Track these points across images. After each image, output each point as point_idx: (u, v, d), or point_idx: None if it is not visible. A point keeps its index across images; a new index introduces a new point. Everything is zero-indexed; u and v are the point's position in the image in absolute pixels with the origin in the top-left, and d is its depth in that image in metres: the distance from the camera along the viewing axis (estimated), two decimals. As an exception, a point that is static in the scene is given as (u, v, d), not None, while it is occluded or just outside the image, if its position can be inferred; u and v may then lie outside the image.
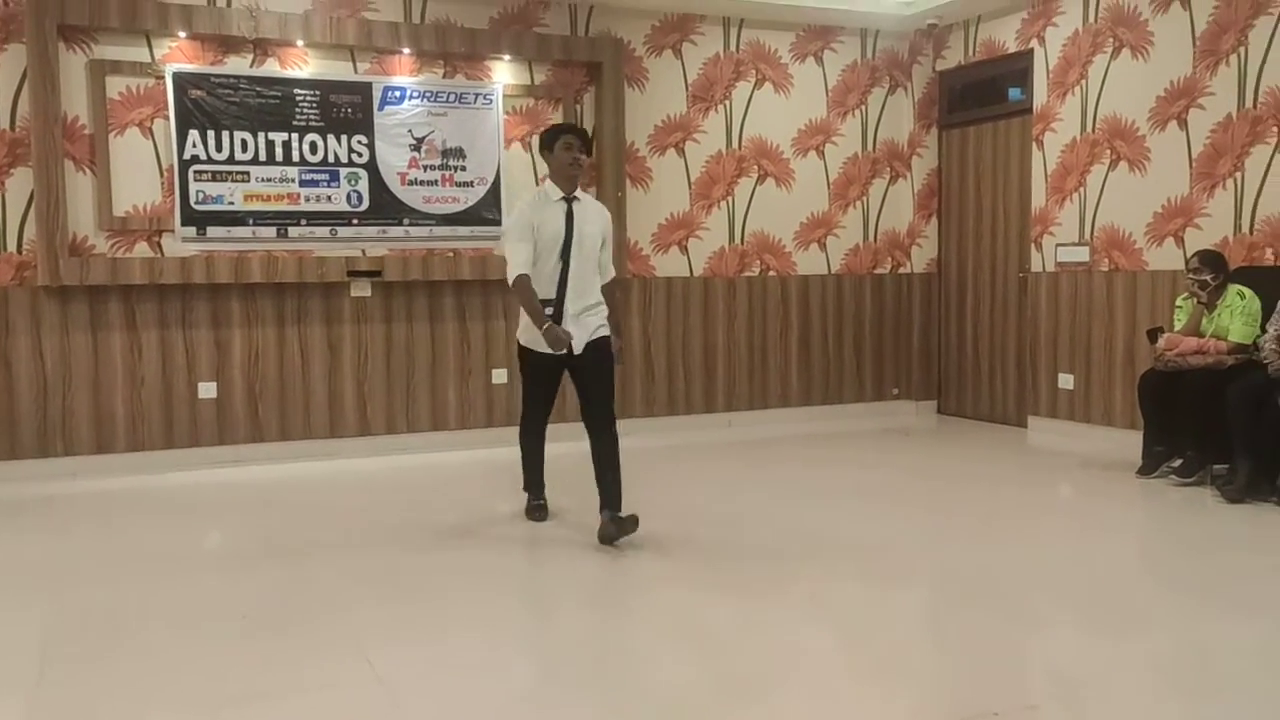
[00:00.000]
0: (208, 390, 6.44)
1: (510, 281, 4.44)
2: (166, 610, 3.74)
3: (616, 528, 4.37)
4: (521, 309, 4.55)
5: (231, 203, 6.36)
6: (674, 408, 7.61)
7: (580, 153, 4.54)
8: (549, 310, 4.42)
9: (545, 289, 4.46)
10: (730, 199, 7.67)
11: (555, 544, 4.63)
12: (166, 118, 6.25)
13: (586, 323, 4.52)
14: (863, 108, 8.04)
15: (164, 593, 3.95)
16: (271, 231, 6.46)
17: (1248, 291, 5.49)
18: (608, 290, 4.71)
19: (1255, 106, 5.91)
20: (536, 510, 4.96)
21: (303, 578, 4.12)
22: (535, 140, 7.00)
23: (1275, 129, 5.81)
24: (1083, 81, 6.91)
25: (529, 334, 4.55)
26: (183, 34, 6.25)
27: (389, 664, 3.16)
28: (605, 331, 4.58)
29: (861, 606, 3.71)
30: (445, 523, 5.05)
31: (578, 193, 4.60)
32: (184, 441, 6.41)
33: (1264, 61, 5.85)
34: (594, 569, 4.22)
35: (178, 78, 6.23)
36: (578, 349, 4.46)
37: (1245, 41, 5.93)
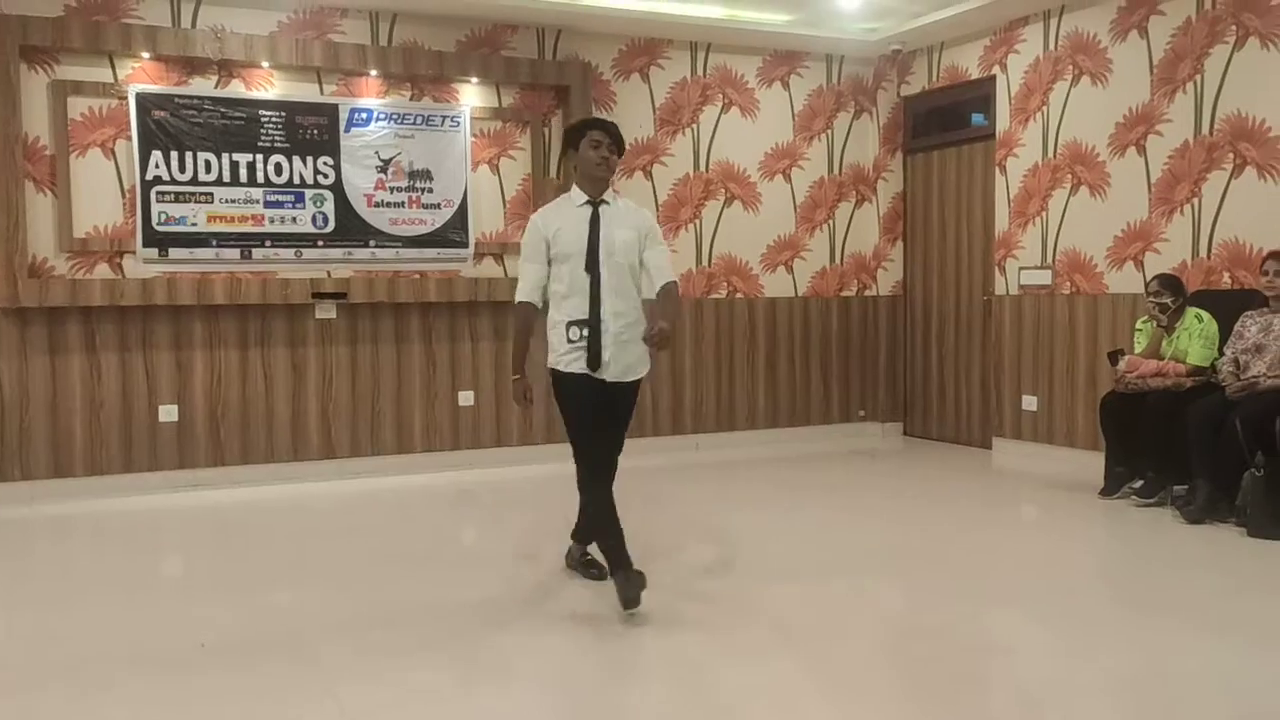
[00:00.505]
0: (168, 413, 6.36)
1: (514, 303, 4.06)
2: (121, 639, 3.67)
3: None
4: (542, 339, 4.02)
5: (194, 224, 6.31)
6: (641, 430, 7.58)
7: (610, 151, 3.97)
8: (585, 331, 3.87)
9: (576, 307, 3.89)
10: (698, 222, 7.70)
11: (526, 570, 4.60)
12: (129, 138, 6.19)
13: (626, 353, 3.94)
14: (828, 132, 8.11)
15: (119, 620, 3.88)
16: (235, 253, 6.41)
17: (1205, 314, 5.57)
18: (662, 298, 3.99)
19: (1211, 133, 6.01)
20: (628, 583, 3.80)
21: (264, 606, 4.06)
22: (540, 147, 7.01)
23: (1231, 155, 5.92)
24: (1044, 108, 7.01)
25: (556, 354, 3.97)
26: (146, 55, 6.20)
27: (354, 698, 3.12)
28: (642, 371, 4.03)
29: (826, 628, 3.71)
30: (411, 549, 5.00)
31: (608, 195, 4.03)
32: (143, 465, 6.32)
33: (1220, 89, 5.96)
34: (565, 594, 4.19)
35: (141, 98, 6.18)
36: (610, 378, 3.93)
37: (1201, 70, 6.04)
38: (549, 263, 3.95)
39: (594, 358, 3.88)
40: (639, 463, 7.20)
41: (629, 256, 3.97)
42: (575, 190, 4.01)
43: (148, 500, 6.08)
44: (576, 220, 3.93)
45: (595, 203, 3.98)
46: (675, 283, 4.04)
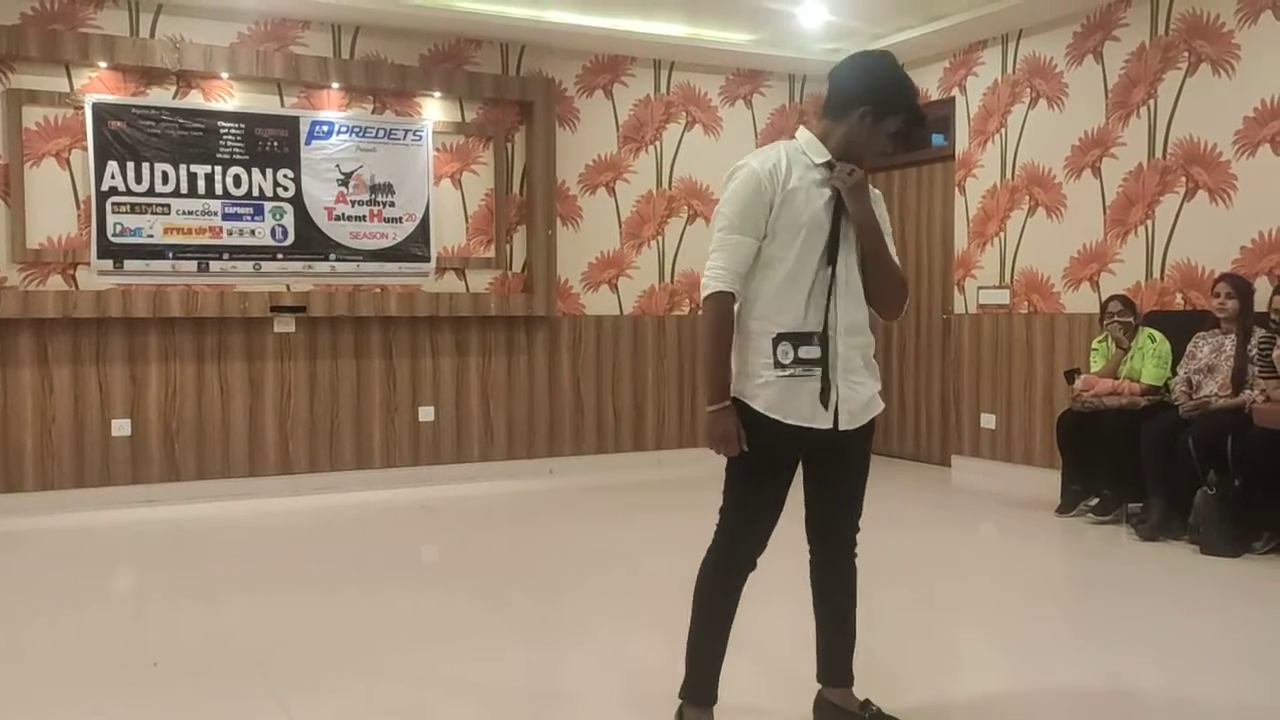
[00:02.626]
0: (121, 427, 6.25)
1: (703, 295, 2.59)
2: (72, 656, 3.59)
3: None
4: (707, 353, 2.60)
5: (151, 235, 6.22)
6: (603, 445, 7.58)
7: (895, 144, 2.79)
8: (802, 352, 2.54)
9: (792, 315, 2.55)
10: (660, 238, 7.71)
11: (486, 588, 4.56)
12: (85, 148, 6.10)
13: (858, 384, 2.65)
14: (790, 151, 8.15)
15: (70, 638, 3.80)
16: (192, 265, 6.33)
17: (1158, 335, 5.66)
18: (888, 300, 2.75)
19: (1165, 157, 6.12)
20: None
21: (218, 623, 4.00)
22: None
23: (1184, 179, 6.03)
24: (1002, 130, 7.11)
25: (770, 389, 2.56)
26: (104, 64, 6.13)
27: (308, 715, 3.07)
28: (879, 407, 2.73)
29: (786, 647, 3.71)
30: (368, 564, 4.95)
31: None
32: (95, 480, 6.21)
33: (1172, 114, 6.07)
34: (525, 613, 4.16)
35: (97, 108, 6.10)
36: (845, 424, 2.62)
37: (1155, 95, 6.16)
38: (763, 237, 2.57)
39: (822, 394, 2.58)
40: (600, 479, 7.23)
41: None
42: (809, 139, 2.65)
43: (100, 516, 5.96)
44: (815, 189, 2.59)
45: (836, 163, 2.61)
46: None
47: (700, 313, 2.63)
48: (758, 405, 2.56)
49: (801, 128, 2.72)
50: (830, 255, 2.57)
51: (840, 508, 2.75)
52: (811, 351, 2.55)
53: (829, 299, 2.57)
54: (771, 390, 2.55)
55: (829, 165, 2.60)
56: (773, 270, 2.57)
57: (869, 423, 2.70)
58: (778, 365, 2.55)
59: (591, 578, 4.68)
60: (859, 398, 2.64)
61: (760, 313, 2.58)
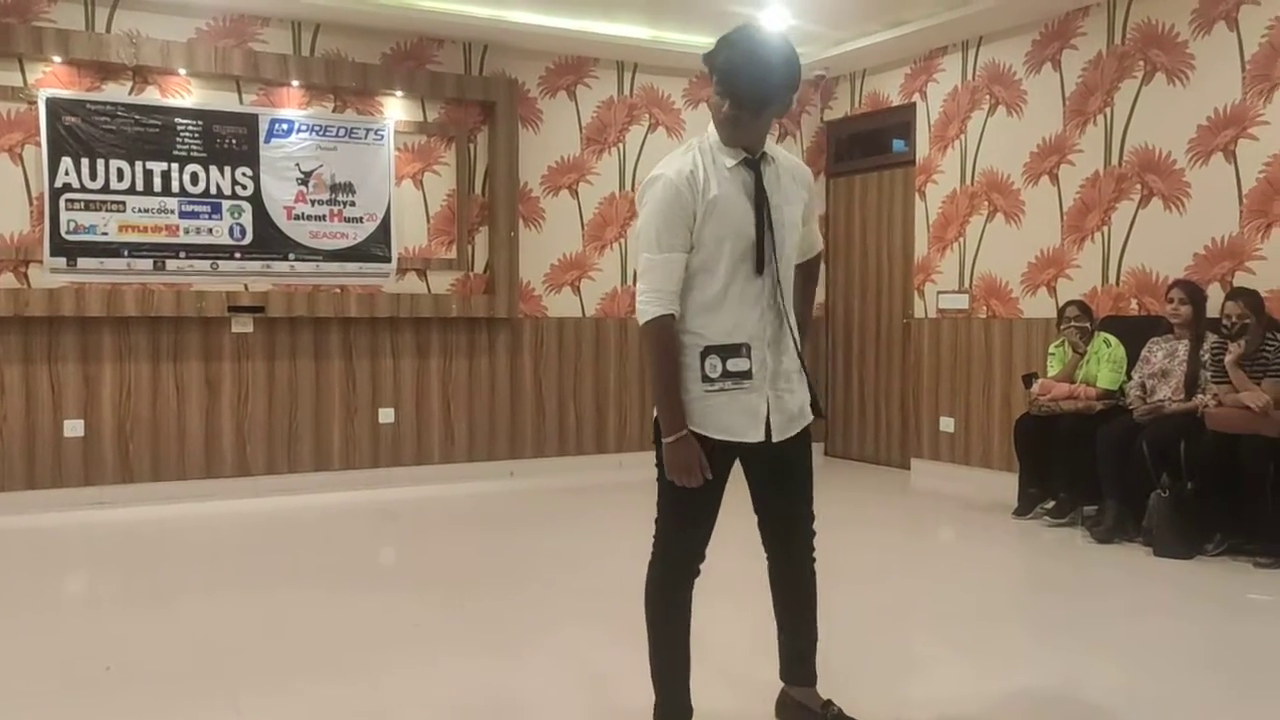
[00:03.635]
0: (74, 428, 6.14)
1: (641, 322, 2.51)
2: (23, 661, 3.52)
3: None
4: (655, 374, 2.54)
5: (105, 233, 6.12)
6: (564, 448, 7.56)
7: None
8: (731, 365, 2.49)
9: (719, 326, 2.51)
10: (623, 241, 7.71)
11: (442, 587, 4.53)
12: (38, 144, 6.00)
13: (788, 394, 2.61)
14: (753, 154, 8.18)
15: (21, 642, 3.73)
16: (148, 264, 6.24)
17: (1113, 339, 5.74)
18: (806, 273, 2.79)
19: (1120, 164, 6.21)
20: None
21: (172, 626, 3.94)
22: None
23: (1139, 186, 6.12)
24: (962, 136, 7.18)
25: (698, 404, 2.52)
26: (58, 59, 6.02)
27: (261, 717, 3.03)
28: (809, 417, 2.69)
29: (741, 649, 3.71)
30: (324, 566, 4.90)
31: (767, 146, 2.59)
32: (47, 482, 6.09)
33: (1128, 122, 6.16)
34: (477, 615, 4.14)
35: (51, 103, 5.99)
36: (777, 435, 2.58)
37: (1111, 103, 6.24)
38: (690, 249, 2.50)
39: (752, 407, 2.54)
40: (562, 481, 7.20)
41: (794, 243, 2.62)
42: (717, 139, 2.55)
43: (51, 518, 5.85)
44: (733, 189, 2.51)
45: (755, 159, 2.54)
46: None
47: (642, 340, 2.54)
48: (689, 421, 2.50)
49: (712, 124, 2.58)
50: (758, 264, 2.51)
51: (790, 515, 2.72)
52: (740, 364, 2.50)
53: (756, 309, 2.52)
54: (700, 405, 2.51)
55: (745, 164, 2.52)
56: (699, 281, 2.51)
57: (805, 437, 2.67)
58: (705, 379, 2.50)
59: (552, 581, 4.66)
60: (789, 407, 2.60)
61: (686, 325, 2.51)
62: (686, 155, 2.54)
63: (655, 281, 2.48)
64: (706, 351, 2.50)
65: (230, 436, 6.55)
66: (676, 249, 2.48)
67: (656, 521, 2.64)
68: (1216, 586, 4.54)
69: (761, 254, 2.51)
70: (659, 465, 2.57)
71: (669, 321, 2.49)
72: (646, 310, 2.49)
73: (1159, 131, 6.00)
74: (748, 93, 2.45)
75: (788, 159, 2.65)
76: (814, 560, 2.78)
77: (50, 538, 5.52)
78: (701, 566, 2.65)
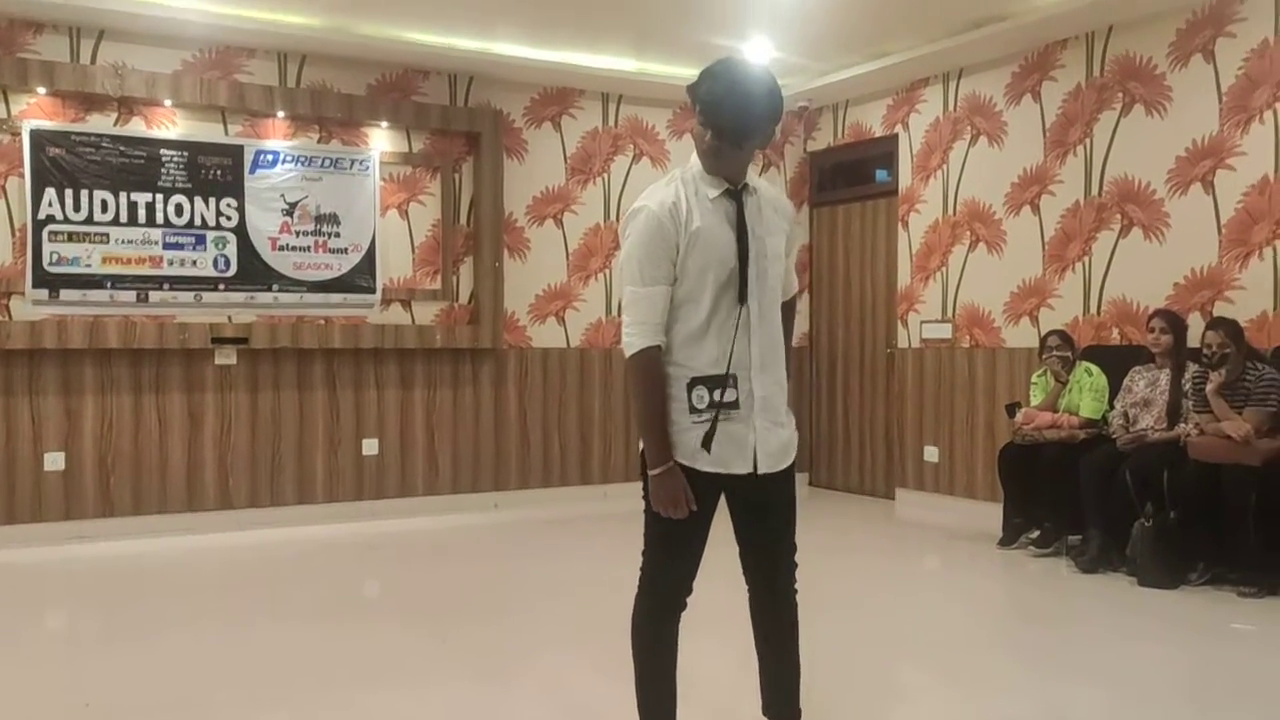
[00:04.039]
0: (54, 461, 6.09)
1: (627, 355, 2.53)
2: (1, 698, 3.48)
3: None
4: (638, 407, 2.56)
5: (88, 265, 6.10)
6: (549, 479, 7.53)
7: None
8: (717, 396, 2.49)
9: (706, 357, 2.51)
10: (607, 271, 7.72)
11: (426, 619, 4.49)
12: (21, 175, 5.98)
13: (777, 427, 2.60)
14: (737, 185, 8.22)
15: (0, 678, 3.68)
16: (131, 295, 6.21)
17: (1094, 368, 5.78)
18: (784, 312, 2.71)
19: (1100, 195, 6.27)
20: None
21: (153, 661, 3.89)
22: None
23: (1119, 216, 6.17)
24: (944, 166, 7.24)
25: (686, 435, 2.52)
26: (43, 90, 6.02)
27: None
28: (794, 453, 2.69)
29: (726, 682, 3.70)
30: (308, 599, 4.86)
31: (749, 178, 2.61)
32: (26, 516, 6.03)
33: (1108, 153, 6.23)
34: (474, 644, 4.11)
35: (35, 134, 5.98)
36: (763, 467, 2.56)
37: (1090, 134, 6.31)
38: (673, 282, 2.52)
39: (739, 438, 2.53)
40: (546, 512, 7.18)
41: (778, 274, 2.62)
42: (699, 169, 2.57)
43: (31, 553, 5.79)
44: (715, 220, 2.52)
45: (737, 190, 2.57)
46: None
47: (628, 373, 2.57)
48: (675, 453, 2.50)
49: (695, 154, 2.59)
50: (741, 294, 2.51)
51: (772, 547, 2.69)
52: (728, 395, 2.49)
53: (744, 339, 2.52)
54: (688, 437, 2.50)
55: (727, 194, 2.53)
56: (683, 313, 2.51)
57: (790, 474, 2.67)
58: (693, 411, 2.50)
59: (537, 612, 4.63)
60: (776, 440, 2.58)
61: (672, 357, 2.52)
62: (669, 187, 2.55)
63: (640, 314, 2.49)
64: (693, 383, 2.50)
65: (212, 469, 6.50)
66: (660, 281, 2.49)
67: (643, 554, 2.63)
68: (1201, 616, 4.54)
69: (745, 284, 2.51)
70: (645, 498, 2.56)
71: (655, 353, 2.50)
72: (633, 343, 2.50)
73: (1138, 162, 6.06)
74: (730, 124, 2.47)
75: (769, 191, 2.67)
76: (796, 592, 2.76)
77: (29, 573, 5.46)
78: (689, 600, 2.64)
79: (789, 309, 2.76)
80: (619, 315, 7.66)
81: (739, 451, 2.53)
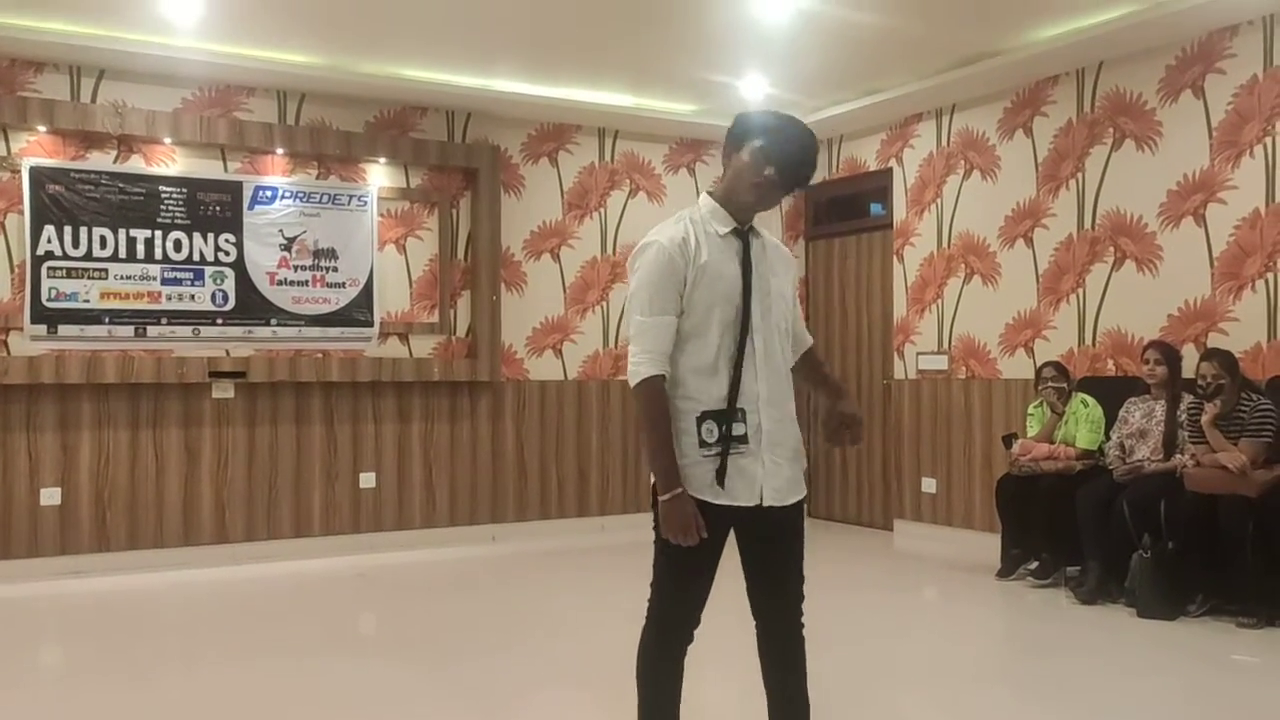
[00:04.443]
0: (50, 496, 6.08)
1: (633, 384, 2.55)
2: (-8, 739, 3.46)
3: None
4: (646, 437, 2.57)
5: (86, 300, 6.12)
6: (546, 511, 7.52)
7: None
8: (726, 429, 2.52)
9: (714, 391, 2.54)
10: (604, 304, 7.76)
11: (423, 654, 4.47)
12: (21, 212, 6.01)
13: (786, 462, 2.63)
14: (733, 218, 8.28)
15: (-10, 720, 3.66)
16: (129, 330, 6.23)
17: (1090, 400, 5.80)
18: (813, 360, 2.92)
19: (1093, 228, 6.32)
20: None
21: (149, 699, 3.87)
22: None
23: (1112, 249, 6.22)
24: (938, 200, 7.30)
25: (697, 469, 2.54)
26: (43, 128, 6.06)
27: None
28: (803, 490, 2.71)
29: (731, 713, 3.68)
30: (306, 636, 4.83)
31: (754, 223, 2.69)
32: (22, 551, 6.01)
33: (1100, 187, 6.29)
34: (471, 679, 4.09)
35: (35, 172, 6.02)
36: (771, 500, 2.58)
37: (1083, 168, 6.37)
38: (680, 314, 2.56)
39: (748, 471, 2.55)
40: (543, 544, 7.16)
41: (783, 315, 2.67)
42: (712, 206, 2.63)
43: (26, 588, 5.76)
44: (724, 256, 2.58)
45: (744, 230, 2.64)
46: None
47: (635, 402, 2.59)
48: (686, 486, 2.51)
49: (704, 194, 2.66)
50: (746, 329, 2.54)
51: (780, 582, 2.68)
52: (737, 428, 2.52)
53: (749, 373, 2.55)
54: (699, 470, 2.52)
55: (735, 233, 2.59)
56: (691, 346, 2.55)
57: (799, 513, 2.68)
58: (703, 445, 2.52)
59: (536, 645, 4.61)
60: (784, 474, 2.60)
61: (682, 391, 2.55)
62: (678, 224, 2.61)
63: (647, 343, 2.53)
64: (703, 416, 2.52)
65: (209, 503, 6.49)
66: (668, 312, 2.53)
67: (652, 585, 2.63)
68: (1201, 647, 4.54)
69: (748, 319, 2.56)
70: (656, 528, 2.57)
71: (659, 382, 2.52)
72: (639, 371, 2.53)
73: (1130, 196, 6.12)
74: (796, 165, 2.58)
75: (771, 238, 2.73)
76: (803, 627, 2.75)
77: (24, 608, 5.44)
78: (696, 633, 2.64)
79: (811, 355, 2.88)
80: (618, 347, 7.77)
81: (747, 485, 2.55)
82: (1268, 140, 5.49)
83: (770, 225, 8.28)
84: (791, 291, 2.71)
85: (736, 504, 2.54)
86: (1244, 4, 5.36)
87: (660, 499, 2.52)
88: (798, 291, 2.78)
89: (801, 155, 2.58)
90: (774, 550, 2.67)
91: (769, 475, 2.57)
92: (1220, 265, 5.68)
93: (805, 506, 2.70)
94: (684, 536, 2.49)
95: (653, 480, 2.56)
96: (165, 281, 6.33)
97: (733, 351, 2.54)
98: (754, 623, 2.74)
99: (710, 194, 2.66)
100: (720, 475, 2.52)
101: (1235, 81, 5.62)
